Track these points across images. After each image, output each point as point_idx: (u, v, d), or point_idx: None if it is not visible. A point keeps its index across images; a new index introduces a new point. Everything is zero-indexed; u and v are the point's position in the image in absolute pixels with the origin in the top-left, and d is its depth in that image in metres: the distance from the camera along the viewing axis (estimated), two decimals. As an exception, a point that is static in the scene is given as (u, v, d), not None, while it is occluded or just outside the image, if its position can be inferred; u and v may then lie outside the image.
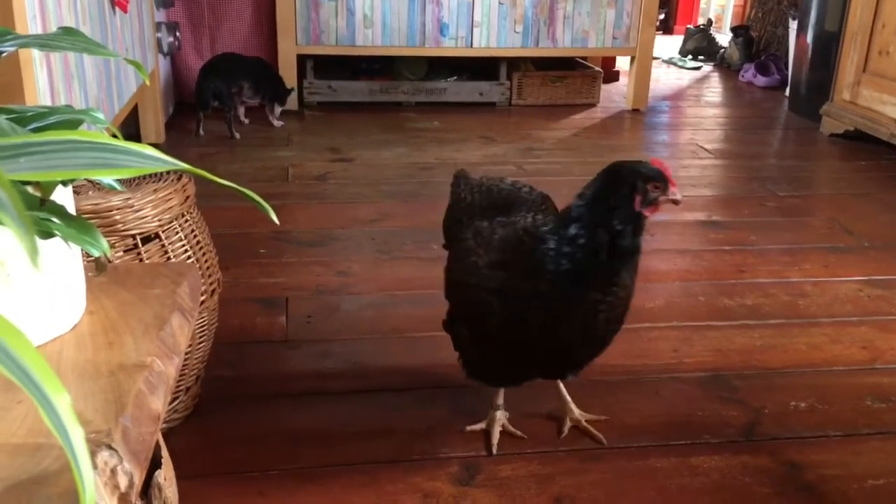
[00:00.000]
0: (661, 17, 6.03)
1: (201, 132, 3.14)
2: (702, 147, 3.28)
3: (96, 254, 0.56)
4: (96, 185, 1.24)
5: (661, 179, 1.09)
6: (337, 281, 1.93)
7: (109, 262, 0.85)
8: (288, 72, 3.49)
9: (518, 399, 1.41)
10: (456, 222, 1.35)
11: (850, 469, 1.30)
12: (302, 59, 3.58)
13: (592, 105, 3.91)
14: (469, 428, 1.36)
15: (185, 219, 1.28)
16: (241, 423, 1.38)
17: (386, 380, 1.52)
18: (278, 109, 3.33)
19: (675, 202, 1.11)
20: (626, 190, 1.09)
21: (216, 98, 3.09)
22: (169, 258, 1.24)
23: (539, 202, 1.33)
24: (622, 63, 4.56)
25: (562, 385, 1.40)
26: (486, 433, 1.35)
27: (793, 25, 4.12)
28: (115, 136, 0.54)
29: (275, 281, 1.91)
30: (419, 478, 1.25)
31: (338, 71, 3.77)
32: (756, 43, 5.01)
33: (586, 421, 1.38)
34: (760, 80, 4.55)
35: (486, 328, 1.20)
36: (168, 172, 1.31)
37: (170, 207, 1.24)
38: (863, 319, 1.81)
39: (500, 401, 1.37)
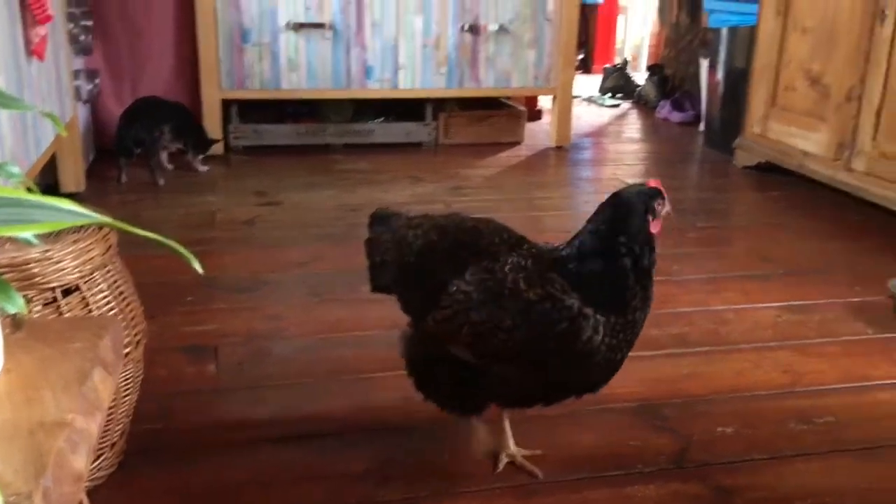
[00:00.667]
0: (580, 57, 6.21)
1: (124, 179, 3.08)
2: (624, 182, 3.37)
3: (12, 311, 0.54)
4: (13, 238, 1.20)
5: (661, 196, 1.19)
6: (268, 326, 1.90)
7: (26, 318, 0.83)
8: (212, 117, 3.46)
9: (450, 437, 1.41)
10: (429, 265, 1.28)
11: (776, 491, 1.34)
12: (227, 104, 3.56)
13: (517, 143, 3.98)
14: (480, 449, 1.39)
15: (107, 269, 1.25)
16: (170, 476, 1.34)
17: (321, 424, 1.50)
18: (200, 156, 3.28)
19: (668, 214, 1.21)
20: (643, 213, 1.17)
21: (138, 145, 3.04)
22: (91, 310, 1.20)
23: (519, 236, 1.32)
24: (545, 102, 4.67)
25: (507, 419, 1.40)
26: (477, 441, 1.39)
27: (704, 63, 4.29)
28: (30, 189, 0.53)
29: (204, 328, 1.87)
30: (356, 523, 1.23)
31: (263, 114, 3.75)
32: (670, 81, 5.21)
33: (522, 456, 1.39)
34: (676, 116, 4.72)
35: (538, 364, 1.20)
36: (89, 222, 1.28)
37: (91, 258, 1.21)
38: (782, 344, 1.87)
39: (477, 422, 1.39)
